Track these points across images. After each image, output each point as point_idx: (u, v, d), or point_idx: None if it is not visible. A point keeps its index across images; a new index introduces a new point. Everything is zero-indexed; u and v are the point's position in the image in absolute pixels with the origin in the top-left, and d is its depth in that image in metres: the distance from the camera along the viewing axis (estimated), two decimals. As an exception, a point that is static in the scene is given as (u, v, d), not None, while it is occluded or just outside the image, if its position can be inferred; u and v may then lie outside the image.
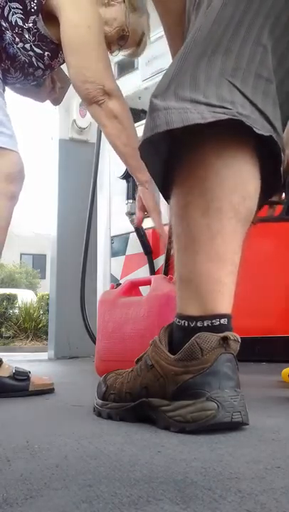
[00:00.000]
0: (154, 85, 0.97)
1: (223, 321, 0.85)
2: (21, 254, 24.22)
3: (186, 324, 0.86)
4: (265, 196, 0.93)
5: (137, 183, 1.65)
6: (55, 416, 1.05)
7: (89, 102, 1.51)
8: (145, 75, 2.95)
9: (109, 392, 0.99)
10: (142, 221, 1.70)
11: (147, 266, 2.69)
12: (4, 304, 9.66)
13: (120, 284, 1.98)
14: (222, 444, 0.72)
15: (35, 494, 0.50)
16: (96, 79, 1.46)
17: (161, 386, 0.86)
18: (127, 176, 2.60)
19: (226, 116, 0.82)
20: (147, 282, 1.87)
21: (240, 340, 0.84)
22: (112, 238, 3.12)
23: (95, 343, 2.11)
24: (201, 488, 0.51)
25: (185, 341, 0.84)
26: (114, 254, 3.11)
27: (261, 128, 0.84)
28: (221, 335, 0.82)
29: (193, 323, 0.85)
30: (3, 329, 9.18)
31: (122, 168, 2.66)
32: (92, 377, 1.87)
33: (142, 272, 2.73)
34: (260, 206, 0.93)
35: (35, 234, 24.94)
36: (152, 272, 2.65)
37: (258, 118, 0.85)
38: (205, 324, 0.85)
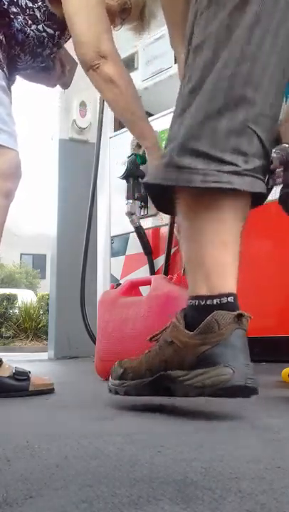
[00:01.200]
0: (154, 85, 0.98)
1: (230, 299, 0.94)
2: (21, 254, 24.21)
3: (198, 303, 0.96)
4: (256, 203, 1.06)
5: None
6: (55, 416, 1.05)
7: (86, 67, 1.50)
8: (145, 75, 2.95)
9: (126, 372, 1.06)
10: None
11: (147, 266, 2.69)
12: (4, 303, 9.66)
13: (120, 284, 1.98)
14: (222, 444, 0.72)
15: (35, 494, 0.50)
16: (91, 42, 1.45)
17: (180, 358, 0.94)
18: (127, 176, 2.60)
19: (222, 186, 0.94)
20: (147, 282, 1.87)
21: (251, 317, 0.93)
22: (112, 238, 3.12)
23: (95, 343, 2.11)
24: (201, 488, 0.51)
25: (199, 319, 0.93)
26: (114, 254, 3.11)
27: (252, 186, 0.97)
28: (236, 313, 0.91)
29: (204, 302, 0.95)
30: (3, 329, 9.18)
31: (122, 168, 2.66)
32: (92, 377, 1.87)
33: (142, 272, 2.73)
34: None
35: (35, 234, 24.93)
36: (152, 272, 2.65)
37: (263, 164, 0.98)
38: (214, 302, 0.94)
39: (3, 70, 1.44)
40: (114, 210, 3.16)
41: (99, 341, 1.91)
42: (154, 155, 1.55)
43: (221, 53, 0.96)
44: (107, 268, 3.16)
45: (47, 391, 1.38)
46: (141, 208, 2.70)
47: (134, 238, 2.78)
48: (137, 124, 1.53)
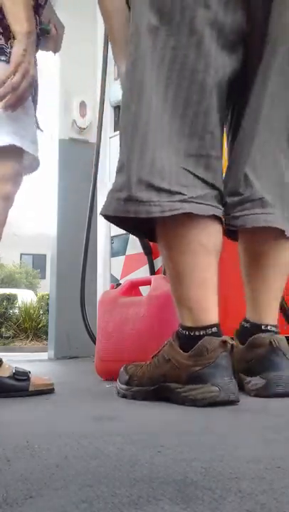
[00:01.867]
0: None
1: (214, 329, 1.16)
2: (21, 254, 24.20)
3: (187, 333, 1.17)
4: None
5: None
6: (55, 416, 1.05)
7: None
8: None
9: (132, 379, 1.27)
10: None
11: (147, 266, 2.69)
12: (4, 303, 9.65)
13: (120, 284, 1.98)
14: (222, 444, 0.72)
15: (35, 494, 0.50)
16: None
17: (176, 374, 1.15)
18: None
19: (176, 212, 1.13)
20: (147, 282, 1.87)
21: (233, 343, 1.14)
22: (112, 238, 3.12)
23: (95, 343, 2.11)
24: (201, 488, 0.51)
25: (189, 343, 1.14)
26: (114, 254, 3.10)
27: (203, 210, 1.15)
28: (221, 339, 1.13)
29: (193, 333, 1.16)
30: (3, 329, 9.17)
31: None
32: (92, 377, 1.87)
33: (142, 272, 2.73)
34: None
35: (35, 234, 24.92)
36: (152, 272, 2.65)
37: (206, 194, 1.17)
38: (201, 333, 1.15)
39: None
40: (114, 210, 3.15)
41: (99, 341, 1.91)
42: (23, 41, 1.35)
43: (143, 94, 1.17)
44: (107, 268, 3.16)
45: (47, 391, 1.38)
46: None
47: (134, 238, 2.78)
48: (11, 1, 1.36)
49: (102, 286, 3.15)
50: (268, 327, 1.32)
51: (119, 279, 2.95)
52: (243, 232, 1.35)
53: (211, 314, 1.17)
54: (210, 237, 1.19)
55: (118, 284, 1.98)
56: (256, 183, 1.27)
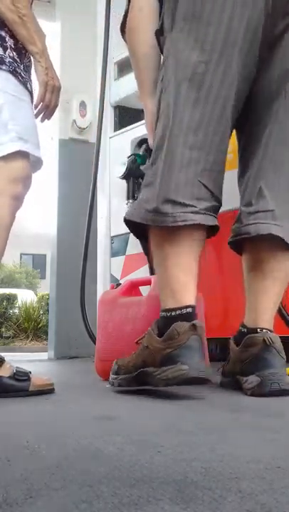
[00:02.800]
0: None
1: (189, 309, 1.29)
2: (21, 254, 24.19)
3: (166, 315, 1.30)
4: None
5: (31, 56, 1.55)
6: (55, 416, 1.05)
7: None
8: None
9: (120, 368, 1.40)
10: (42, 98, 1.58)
11: (147, 266, 2.69)
12: (4, 304, 9.64)
13: (120, 284, 1.97)
14: (222, 444, 0.72)
15: (35, 494, 0.50)
16: None
17: (153, 358, 1.27)
18: (127, 176, 2.59)
19: (189, 223, 1.31)
20: (147, 282, 1.87)
21: (203, 325, 1.29)
22: (112, 238, 3.12)
23: (95, 343, 2.11)
24: (201, 488, 0.51)
25: (166, 327, 1.26)
26: (114, 254, 3.10)
27: (209, 221, 1.35)
28: (191, 323, 1.24)
29: (170, 314, 1.29)
30: (3, 329, 9.17)
31: (122, 168, 2.66)
32: (92, 377, 1.87)
33: (142, 272, 2.73)
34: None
35: (35, 234, 24.92)
36: (152, 272, 2.65)
37: (213, 206, 1.37)
38: (177, 313, 1.27)
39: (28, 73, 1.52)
40: (114, 210, 3.15)
41: (99, 341, 1.91)
42: (42, 60, 1.51)
43: (175, 122, 1.34)
44: (107, 268, 3.16)
45: (47, 391, 1.38)
46: None
47: (134, 238, 2.78)
48: (25, 27, 1.47)
49: (102, 286, 3.15)
50: (259, 333, 1.35)
51: (119, 279, 2.95)
52: (249, 241, 1.43)
53: (189, 296, 1.31)
54: (193, 241, 1.36)
55: (118, 284, 1.98)
56: (268, 197, 1.39)
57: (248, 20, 1.32)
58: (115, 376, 1.40)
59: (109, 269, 3.13)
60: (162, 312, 1.31)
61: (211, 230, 1.40)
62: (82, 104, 4.06)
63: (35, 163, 1.56)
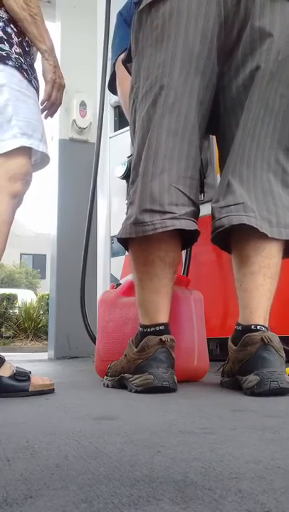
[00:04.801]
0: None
1: (162, 327, 1.42)
2: (21, 254, 24.20)
3: (142, 330, 1.44)
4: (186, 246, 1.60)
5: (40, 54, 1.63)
6: (55, 416, 1.05)
7: None
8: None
9: (109, 370, 1.58)
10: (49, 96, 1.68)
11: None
12: (4, 303, 9.65)
13: (120, 284, 1.98)
14: (222, 444, 0.72)
15: (35, 494, 0.50)
16: None
17: (128, 366, 1.45)
18: (127, 176, 2.59)
19: (170, 228, 1.40)
20: (147, 282, 1.86)
21: (174, 339, 1.41)
22: (112, 238, 3.12)
23: (95, 343, 2.11)
24: (201, 488, 0.51)
25: (141, 340, 1.41)
26: (114, 254, 3.11)
27: (189, 225, 1.44)
28: (160, 337, 1.38)
29: (146, 330, 1.44)
30: (3, 329, 9.17)
31: (122, 168, 2.66)
32: (92, 377, 1.87)
33: (142, 272, 2.72)
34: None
35: (35, 234, 24.93)
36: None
37: (191, 210, 1.45)
38: (152, 330, 1.42)
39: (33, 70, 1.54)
40: (114, 210, 3.16)
41: (99, 341, 1.91)
42: (50, 58, 1.60)
43: (146, 139, 1.45)
44: (107, 268, 3.16)
45: (47, 391, 1.38)
46: None
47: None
48: (35, 25, 1.53)
49: (102, 286, 3.15)
50: (258, 327, 1.35)
51: (119, 279, 2.96)
52: (233, 238, 1.47)
53: (161, 315, 1.44)
54: (167, 252, 1.45)
55: (118, 284, 1.98)
56: (238, 191, 1.43)
57: (203, 33, 1.40)
58: (106, 377, 1.59)
59: (109, 269, 3.14)
60: (139, 327, 1.46)
61: (193, 236, 1.49)
62: (82, 104, 4.07)
63: (42, 160, 1.56)
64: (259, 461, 0.61)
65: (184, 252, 2.60)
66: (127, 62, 1.64)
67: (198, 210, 1.48)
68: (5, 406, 1.20)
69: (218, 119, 1.53)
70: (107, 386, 1.55)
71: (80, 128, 4.04)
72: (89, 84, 3.80)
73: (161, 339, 1.37)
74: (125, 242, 1.52)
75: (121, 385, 1.48)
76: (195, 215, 1.47)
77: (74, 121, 4.02)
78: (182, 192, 1.42)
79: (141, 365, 1.38)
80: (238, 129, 1.46)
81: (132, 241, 1.48)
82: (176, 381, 1.37)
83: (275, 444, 0.73)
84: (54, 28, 4.28)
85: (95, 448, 0.70)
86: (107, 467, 0.60)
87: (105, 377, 1.59)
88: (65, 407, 1.17)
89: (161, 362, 1.36)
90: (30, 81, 1.51)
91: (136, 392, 1.35)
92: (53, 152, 4.11)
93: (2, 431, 0.87)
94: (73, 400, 1.28)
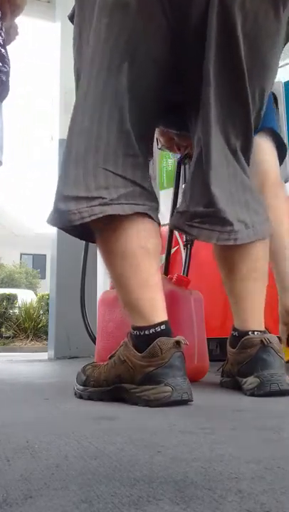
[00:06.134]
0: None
1: (163, 326, 1.17)
2: (21, 254, 24.18)
3: (138, 333, 1.18)
4: None
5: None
6: (55, 416, 1.05)
7: None
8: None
9: (89, 380, 1.27)
10: None
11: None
12: (4, 303, 9.65)
13: (120, 284, 1.97)
14: (222, 444, 0.72)
15: (35, 494, 0.50)
16: None
17: (131, 375, 1.16)
18: (183, 158, 2.52)
19: (99, 215, 1.17)
20: (147, 282, 1.86)
21: (188, 342, 1.17)
22: (112, 238, 3.12)
23: (95, 343, 2.11)
24: (201, 488, 0.51)
25: (143, 343, 1.16)
26: (114, 254, 3.09)
27: (126, 210, 1.20)
28: (175, 339, 1.14)
29: (143, 332, 1.17)
30: (3, 329, 9.17)
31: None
32: (92, 377, 1.87)
33: (142, 272, 2.72)
34: None
35: (35, 234, 24.90)
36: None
37: (129, 191, 1.21)
38: (151, 332, 1.17)
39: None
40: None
41: (99, 341, 1.91)
42: None
43: (74, 117, 1.24)
44: (107, 268, 3.16)
45: None
46: None
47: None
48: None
49: (102, 286, 3.15)
50: (255, 333, 1.33)
51: (119, 279, 2.95)
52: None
53: (159, 312, 1.20)
54: (148, 238, 1.23)
55: (118, 284, 1.97)
56: (219, 198, 1.27)
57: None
58: (83, 388, 1.28)
59: (109, 269, 3.12)
60: (134, 330, 1.20)
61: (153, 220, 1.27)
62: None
63: None
64: (259, 461, 0.61)
65: (183, 252, 2.60)
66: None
67: (141, 190, 1.25)
68: (5, 406, 1.20)
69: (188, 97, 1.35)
70: (88, 398, 1.26)
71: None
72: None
73: (177, 341, 1.14)
74: (87, 233, 1.29)
75: (113, 397, 1.22)
76: (136, 195, 1.23)
77: (74, 121, 4.02)
78: (112, 172, 1.21)
79: (153, 374, 1.12)
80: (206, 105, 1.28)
81: (100, 232, 1.26)
82: (191, 390, 1.16)
83: (275, 444, 0.73)
84: (54, 28, 4.28)
85: (95, 448, 0.70)
86: (107, 467, 0.60)
87: (81, 387, 1.29)
88: (65, 407, 1.17)
89: (177, 369, 1.13)
90: None
91: (146, 406, 1.11)
92: (53, 152, 4.11)
93: (2, 431, 0.87)
94: (73, 399, 1.28)
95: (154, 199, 1.28)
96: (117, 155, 1.22)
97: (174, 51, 1.27)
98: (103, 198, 1.19)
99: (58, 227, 1.28)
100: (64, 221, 1.21)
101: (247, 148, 1.37)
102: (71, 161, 1.22)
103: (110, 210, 1.18)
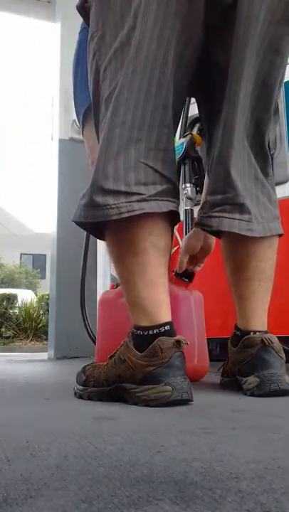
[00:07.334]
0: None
1: (167, 327, 1.17)
2: (21, 254, 24.19)
3: (142, 333, 1.18)
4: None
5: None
6: (55, 416, 1.05)
7: None
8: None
9: (89, 380, 1.28)
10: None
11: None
12: (4, 303, 9.65)
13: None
14: (222, 444, 0.72)
15: (35, 494, 0.50)
16: None
17: (131, 374, 1.16)
18: (184, 158, 2.49)
19: (135, 213, 1.15)
20: (147, 282, 1.86)
21: (188, 342, 1.17)
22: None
23: (95, 343, 2.11)
24: (201, 488, 0.51)
25: (144, 343, 1.15)
26: (114, 254, 3.10)
27: (161, 207, 1.19)
28: (175, 339, 1.14)
29: (146, 332, 1.17)
30: (3, 329, 9.18)
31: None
32: (92, 377, 1.87)
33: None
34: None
35: (35, 234, 24.90)
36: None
37: (164, 189, 1.20)
38: (155, 332, 1.16)
39: None
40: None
41: (99, 341, 1.91)
42: None
43: (116, 108, 1.19)
44: (107, 268, 3.16)
45: None
46: (197, 193, 2.40)
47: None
48: None
49: (102, 286, 3.15)
50: (257, 333, 1.33)
51: (119, 279, 2.95)
52: (222, 233, 1.37)
53: (163, 312, 1.19)
54: (161, 236, 1.21)
55: (118, 284, 1.98)
56: (239, 185, 1.28)
57: None
58: (83, 388, 1.28)
59: (109, 269, 3.13)
60: (137, 330, 1.19)
61: (173, 218, 1.25)
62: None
63: None
64: (259, 461, 0.61)
65: None
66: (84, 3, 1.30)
67: (174, 187, 1.24)
68: (5, 406, 1.20)
69: (207, 80, 1.32)
70: (88, 398, 1.26)
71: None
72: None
73: (176, 341, 1.13)
74: (96, 228, 1.26)
75: (113, 396, 1.21)
76: (170, 192, 1.22)
77: (74, 121, 4.01)
78: (152, 168, 1.19)
79: (153, 373, 1.12)
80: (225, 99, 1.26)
81: (110, 227, 1.23)
82: (192, 390, 1.16)
83: (275, 444, 0.73)
84: (54, 28, 4.28)
85: (95, 448, 0.70)
86: (107, 467, 0.60)
87: (81, 387, 1.29)
88: (65, 407, 1.17)
89: (178, 369, 1.12)
90: None
91: (146, 405, 1.11)
92: (53, 152, 4.11)
93: (2, 431, 0.87)
94: (73, 399, 1.28)
95: (178, 196, 1.29)
96: (158, 150, 1.20)
97: (206, 36, 1.24)
98: (141, 194, 1.17)
99: (88, 221, 1.21)
100: (99, 215, 1.17)
101: (263, 144, 1.36)
102: (111, 153, 1.17)
103: (148, 207, 1.17)
